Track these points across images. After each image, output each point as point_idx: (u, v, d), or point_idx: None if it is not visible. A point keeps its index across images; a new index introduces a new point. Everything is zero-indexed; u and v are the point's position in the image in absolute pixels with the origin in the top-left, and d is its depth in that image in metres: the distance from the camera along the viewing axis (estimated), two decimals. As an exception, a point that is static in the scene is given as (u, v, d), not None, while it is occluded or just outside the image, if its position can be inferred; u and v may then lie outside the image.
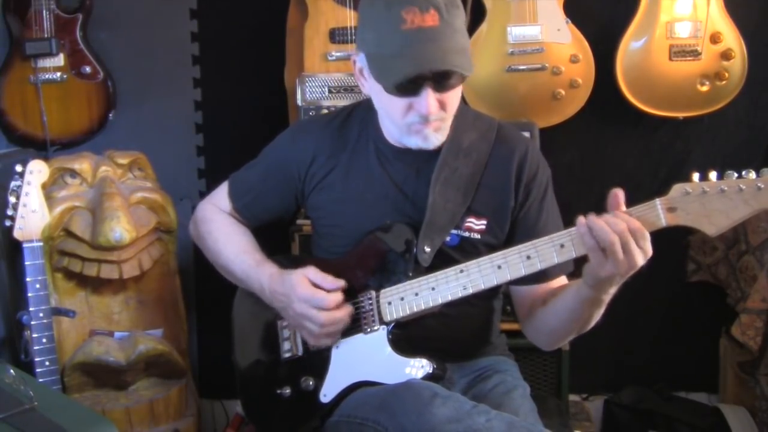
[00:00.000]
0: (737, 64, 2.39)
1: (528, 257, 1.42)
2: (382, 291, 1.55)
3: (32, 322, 1.95)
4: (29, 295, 1.95)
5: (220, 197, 1.82)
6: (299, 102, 2.37)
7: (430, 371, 1.51)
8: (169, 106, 2.73)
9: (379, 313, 1.55)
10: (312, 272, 1.56)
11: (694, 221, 1.34)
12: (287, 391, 1.63)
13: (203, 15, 2.70)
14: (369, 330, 1.56)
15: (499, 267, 1.45)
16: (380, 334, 1.55)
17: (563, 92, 2.43)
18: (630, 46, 2.43)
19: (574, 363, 2.33)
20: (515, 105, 2.45)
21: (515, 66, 2.42)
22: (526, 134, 2.22)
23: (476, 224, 1.60)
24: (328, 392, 1.58)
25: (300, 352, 1.63)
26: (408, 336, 1.56)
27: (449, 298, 1.49)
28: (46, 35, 2.50)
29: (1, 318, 2.09)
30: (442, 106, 1.50)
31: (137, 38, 2.69)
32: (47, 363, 1.96)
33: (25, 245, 1.96)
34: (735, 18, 2.40)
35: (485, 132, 1.64)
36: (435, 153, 1.59)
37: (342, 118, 1.72)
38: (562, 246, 1.41)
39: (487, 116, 1.70)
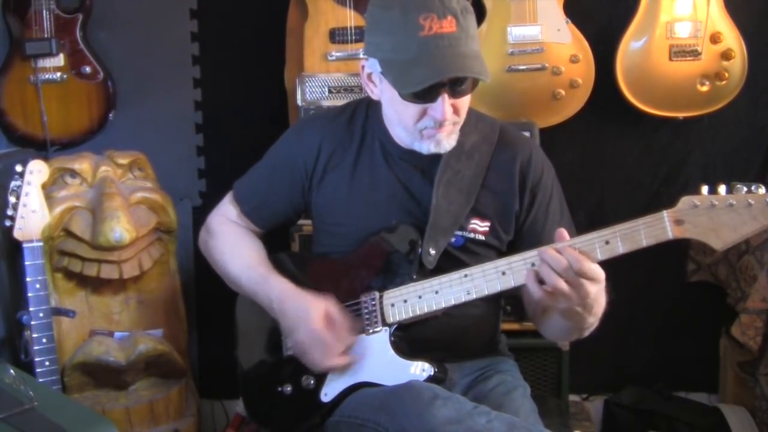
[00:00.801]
0: (737, 64, 2.39)
1: (533, 264, 1.42)
2: (386, 292, 1.55)
3: (32, 322, 1.95)
4: (29, 295, 1.95)
5: (226, 206, 1.80)
6: (299, 102, 2.37)
7: (431, 374, 1.51)
8: (169, 106, 2.73)
9: (382, 314, 1.55)
10: (333, 309, 1.55)
11: (701, 235, 1.33)
12: (288, 389, 1.63)
13: (203, 15, 2.69)
14: (371, 331, 1.56)
15: (504, 273, 1.45)
16: (382, 335, 1.55)
17: (563, 92, 2.43)
18: (630, 46, 2.43)
19: (574, 363, 2.33)
20: (515, 105, 2.45)
21: (515, 66, 2.42)
22: (526, 134, 2.22)
23: (480, 226, 1.60)
24: (328, 392, 1.58)
25: (292, 352, 1.62)
26: (409, 337, 1.57)
27: (452, 302, 1.49)
28: (46, 35, 2.50)
29: (1, 318, 2.09)
30: (456, 111, 1.51)
31: (137, 38, 2.69)
32: (47, 363, 1.96)
33: (25, 245, 1.96)
34: (735, 18, 2.40)
35: (487, 134, 1.64)
36: (440, 155, 1.58)
37: (348, 115, 1.71)
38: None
39: (489, 117, 1.70)
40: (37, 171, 1.98)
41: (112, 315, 2.30)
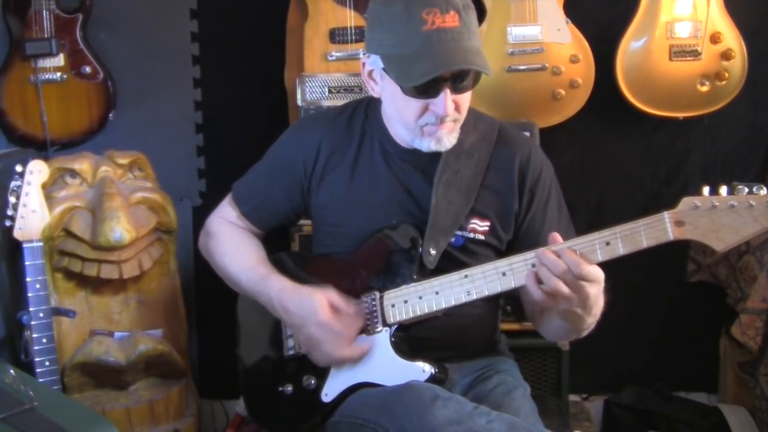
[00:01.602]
0: (737, 64, 2.39)
1: (533, 265, 1.42)
2: (386, 293, 1.55)
3: (32, 322, 1.95)
4: (29, 295, 1.95)
5: (226, 208, 1.80)
6: (299, 102, 2.37)
7: (432, 374, 1.51)
8: (169, 106, 2.73)
9: (383, 315, 1.55)
10: (334, 296, 1.54)
11: (702, 236, 1.33)
12: (289, 388, 1.63)
13: (203, 15, 2.69)
14: (372, 331, 1.56)
15: (504, 274, 1.45)
16: (383, 336, 1.55)
17: (563, 92, 2.43)
18: (630, 46, 2.43)
19: (574, 363, 2.33)
20: (515, 105, 2.45)
21: (515, 66, 2.42)
22: (526, 134, 2.21)
23: (480, 225, 1.60)
24: (329, 392, 1.58)
25: (303, 350, 1.62)
26: (410, 337, 1.57)
27: (453, 303, 1.49)
28: (46, 35, 2.50)
29: (1, 318, 2.09)
30: (457, 107, 1.51)
31: (137, 38, 2.69)
32: (47, 363, 1.96)
33: (25, 245, 1.96)
34: (735, 18, 2.40)
35: (486, 133, 1.64)
36: (439, 154, 1.58)
37: (347, 115, 1.71)
38: None
39: (489, 117, 1.70)
40: (37, 171, 1.98)
41: (112, 315, 2.30)
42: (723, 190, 1.32)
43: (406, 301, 1.53)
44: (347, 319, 1.53)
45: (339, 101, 2.32)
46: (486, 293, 1.47)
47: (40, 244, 1.97)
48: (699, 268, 2.66)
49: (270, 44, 2.57)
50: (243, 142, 2.64)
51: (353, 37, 2.38)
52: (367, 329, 1.56)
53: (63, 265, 2.17)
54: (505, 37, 2.42)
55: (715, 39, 2.39)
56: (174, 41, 2.71)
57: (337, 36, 2.39)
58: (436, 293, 1.50)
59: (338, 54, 2.39)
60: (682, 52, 2.40)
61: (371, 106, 1.68)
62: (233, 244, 1.75)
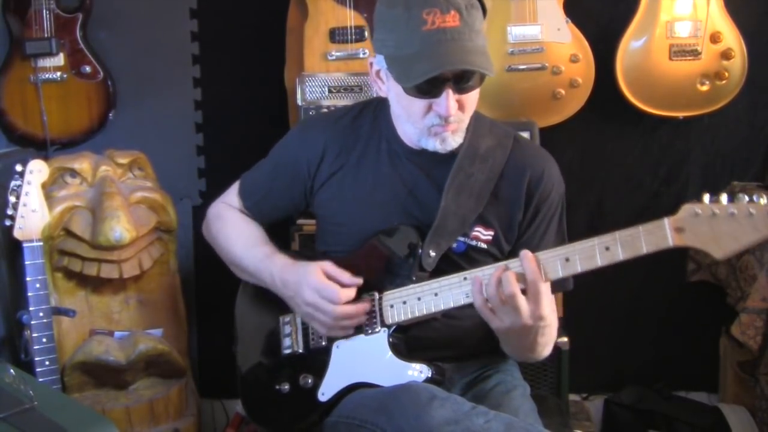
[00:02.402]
0: (737, 64, 2.40)
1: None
2: (385, 293, 1.55)
3: (32, 322, 1.95)
4: (29, 294, 1.95)
5: (231, 196, 1.82)
6: (299, 102, 2.37)
7: (429, 376, 1.51)
8: (169, 106, 2.73)
9: (381, 315, 1.55)
10: (329, 265, 1.56)
11: (702, 243, 1.32)
12: (286, 387, 1.63)
13: (203, 15, 2.69)
14: (370, 331, 1.56)
15: None
16: (381, 336, 1.55)
17: (563, 92, 2.43)
18: (630, 45, 2.43)
19: (574, 363, 2.33)
20: (515, 105, 2.45)
21: (515, 66, 2.42)
22: (526, 134, 2.22)
23: (484, 234, 1.60)
24: (326, 391, 1.58)
25: (300, 349, 1.63)
26: (408, 338, 1.56)
27: (451, 304, 1.49)
28: (46, 35, 2.50)
29: (1, 318, 2.09)
30: (461, 107, 1.50)
31: (137, 38, 2.69)
32: (47, 363, 1.96)
33: (25, 245, 1.96)
34: (735, 18, 2.40)
35: (502, 139, 1.64)
36: (448, 156, 1.58)
37: (353, 115, 1.71)
38: (567, 260, 1.40)
39: (504, 125, 1.69)
40: (37, 170, 1.98)
41: (112, 315, 2.30)
42: (723, 198, 1.32)
43: (404, 302, 1.53)
44: (342, 279, 1.54)
45: (339, 101, 2.32)
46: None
47: (40, 243, 1.97)
48: (699, 268, 2.66)
49: (270, 44, 2.57)
50: (243, 141, 2.65)
51: (353, 37, 2.38)
52: (364, 329, 1.56)
53: (63, 265, 2.17)
54: (505, 36, 2.42)
55: (715, 38, 2.39)
56: (174, 41, 2.71)
57: (337, 36, 2.39)
58: (435, 295, 1.50)
59: (338, 54, 2.39)
60: (682, 51, 2.40)
61: (380, 107, 1.68)
62: (238, 228, 1.77)
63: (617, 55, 2.43)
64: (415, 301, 1.52)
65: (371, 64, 1.59)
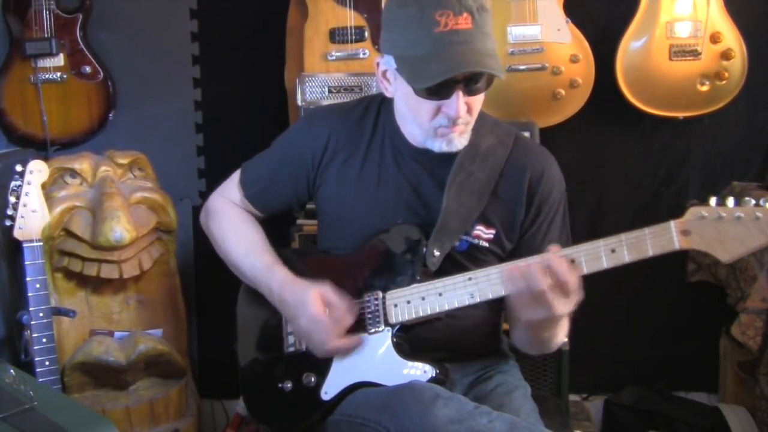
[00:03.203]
0: (737, 64, 2.39)
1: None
2: (389, 292, 1.55)
3: (32, 322, 1.95)
4: (29, 295, 1.95)
5: (231, 188, 1.80)
6: (299, 102, 2.37)
7: (432, 375, 1.51)
8: (169, 106, 2.73)
9: (385, 314, 1.55)
10: (328, 291, 1.55)
11: (707, 246, 1.32)
12: (288, 385, 1.63)
13: (203, 15, 2.70)
14: (373, 331, 1.55)
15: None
16: (384, 335, 1.55)
17: (563, 92, 2.43)
18: (630, 46, 2.43)
19: (574, 363, 2.33)
20: (515, 105, 2.45)
21: (515, 66, 2.42)
22: (526, 134, 2.21)
23: (485, 233, 1.59)
24: (329, 390, 1.58)
25: (303, 347, 1.62)
26: (411, 337, 1.56)
27: (456, 305, 1.49)
28: (46, 35, 2.50)
29: (1, 318, 2.09)
30: (469, 109, 1.51)
31: (137, 38, 2.69)
32: (47, 363, 1.96)
33: (25, 245, 1.96)
34: (735, 18, 2.41)
35: (503, 137, 1.64)
36: (452, 155, 1.57)
37: (361, 110, 1.70)
38: (572, 261, 1.39)
39: (505, 124, 1.69)
40: (37, 171, 1.98)
41: (112, 315, 2.30)
42: (730, 201, 1.32)
43: (408, 302, 1.53)
44: (338, 314, 1.53)
45: (339, 101, 2.32)
46: (490, 296, 1.47)
47: (40, 243, 1.97)
48: (699, 268, 2.66)
49: (270, 44, 2.57)
50: (243, 142, 2.62)
51: (353, 37, 2.38)
52: (367, 328, 1.56)
53: (63, 265, 2.17)
54: (505, 36, 2.42)
55: (715, 39, 2.39)
56: (174, 41, 2.71)
57: (337, 36, 2.39)
58: (440, 295, 1.50)
59: (338, 54, 2.39)
60: (682, 51, 2.40)
61: (385, 102, 1.67)
62: (237, 228, 1.75)
63: (617, 55, 2.43)
64: (419, 300, 1.52)
65: (378, 63, 1.58)
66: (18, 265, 2.02)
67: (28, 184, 1.97)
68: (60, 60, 2.53)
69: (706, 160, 2.65)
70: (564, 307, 1.37)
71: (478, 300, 1.47)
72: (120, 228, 2.08)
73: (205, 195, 2.74)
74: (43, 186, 2.01)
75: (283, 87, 2.52)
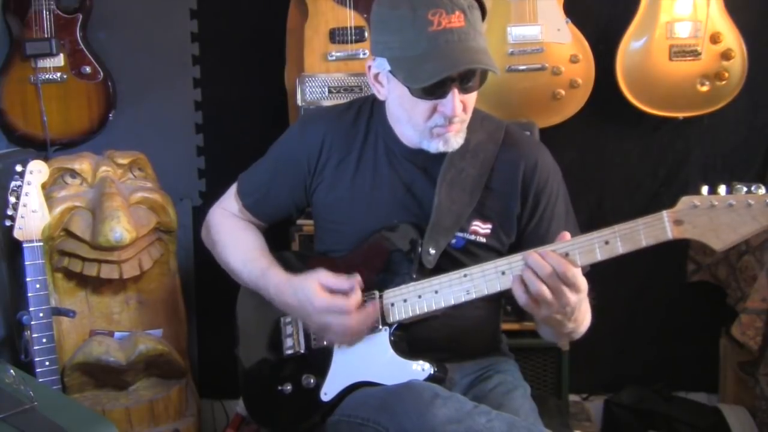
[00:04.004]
0: (737, 64, 2.39)
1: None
2: (386, 292, 1.55)
3: (32, 322, 1.95)
4: (29, 295, 1.95)
5: (229, 199, 1.80)
6: (299, 102, 2.37)
7: (431, 373, 1.51)
8: (169, 106, 2.73)
9: (382, 314, 1.55)
10: (324, 276, 1.54)
11: (700, 235, 1.32)
12: (288, 387, 1.63)
13: (203, 15, 2.69)
14: (371, 330, 1.55)
15: (503, 273, 1.44)
16: (382, 335, 1.55)
17: (563, 92, 2.43)
18: (630, 46, 2.43)
19: (574, 363, 2.33)
20: (515, 105, 2.45)
21: (515, 66, 2.42)
22: (526, 134, 2.21)
23: (482, 228, 1.60)
24: (328, 391, 1.58)
25: (302, 349, 1.63)
26: (410, 337, 1.56)
27: (452, 302, 1.49)
28: (46, 35, 2.50)
29: (1, 318, 2.09)
30: (464, 107, 1.51)
31: (137, 38, 2.69)
32: (47, 363, 1.96)
33: (25, 245, 1.96)
34: (735, 18, 2.40)
35: (493, 132, 1.64)
36: (444, 153, 1.58)
37: (353, 113, 1.70)
38: (566, 255, 1.39)
39: (495, 117, 1.69)
40: (37, 171, 1.98)
41: (112, 315, 2.30)
42: (722, 189, 1.32)
43: (405, 300, 1.53)
44: (346, 290, 1.52)
45: (339, 101, 2.31)
46: (485, 292, 1.47)
47: (40, 244, 1.97)
48: (699, 268, 2.66)
49: (270, 44, 2.57)
50: (243, 142, 2.64)
51: (353, 37, 2.38)
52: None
53: (63, 265, 2.17)
54: (505, 37, 2.42)
55: (715, 39, 2.39)
56: (174, 41, 2.71)
57: (337, 36, 2.39)
58: (436, 292, 1.50)
59: (338, 54, 2.39)
60: (682, 52, 2.40)
61: (377, 103, 1.68)
62: (234, 237, 1.75)
63: (617, 55, 2.43)
64: (415, 299, 1.52)
65: (369, 67, 1.58)
66: (18, 265, 2.02)
67: (28, 184, 1.97)
68: (60, 60, 2.53)
69: (706, 160, 2.65)
70: (570, 298, 1.36)
71: (474, 296, 1.47)
72: (120, 228, 2.08)
73: (205, 195, 2.75)
74: (43, 186, 2.01)
75: (283, 87, 2.52)
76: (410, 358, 1.53)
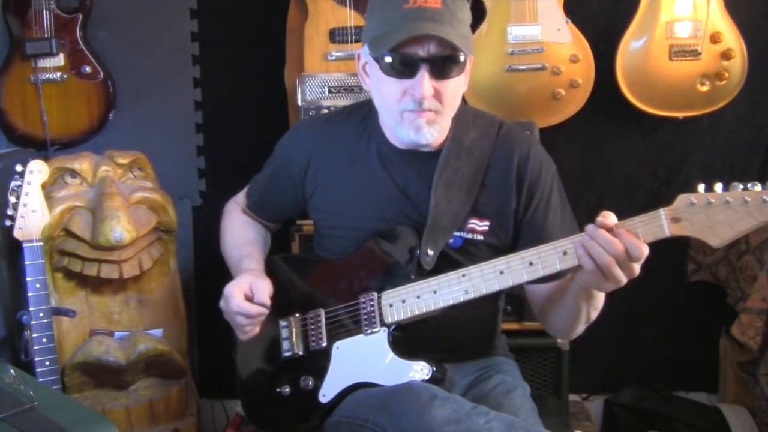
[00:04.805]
0: (737, 64, 2.39)
1: (530, 263, 1.41)
2: (384, 293, 1.55)
3: (32, 322, 1.95)
4: (29, 295, 1.95)
5: (242, 195, 1.89)
6: (299, 102, 2.37)
7: (430, 374, 1.51)
8: (169, 106, 2.73)
9: (380, 314, 1.55)
10: (246, 285, 1.60)
11: (698, 232, 1.32)
12: (287, 390, 1.63)
13: (203, 15, 2.69)
14: (369, 331, 1.55)
15: (502, 272, 1.44)
16: (381, 335, 1.55)
17: (563, 92, 2.43)
18: (630, 46, 2.43)
19: (574, 363, 2.33)
20: (515, 105, 2.45)
21: (515, 66, 2.42)
22: (526, 133, 2.21)
23: (479, 226, 1.60)
24: (327, 392, 1.58)
25: (300, 351, 1.62)
26: (408, 337, 1.56)
27: (451, 302, 1.49)
28: (46, 35, 2.50)
29: (1, 318, 2.09)
30: (438, 96, 1.50)
31: (137, 38, 2.69)
32: (47, 363, 1.96)
33: (25, 245, 1.96)
34: (735, 18, 2.40)
35: (486, 129, 1.64)
36: (437, 154, 1.58)
37: (341, 118, 1.72)
38: (564, 253, 1.39)
39: (489, 114, 1.69)
40: (37, 171, 1.98)
41: (112, 315, 2.30)
42: (718, 187, 1.33)
43: (404, 301, 1.53)
44: (245, 308, 1.58)
45: (339, 101, 2.32)
46: (484, 292, 1.46)
47: (40, 243, 1.97)
48: (699, 268, 2.66)
49: (270, 44, 2.57)
50: (243, 142, 2.65)
51: (353, 37, 2.38)
52: (363, 329, 1.56)
53: (63, 265, 2.17)
54: (505, 37, 2.41)
55: (715, 39, 2.39)
56: (174, 41, 2.71)
57: (337, 36, 2.39)
58: (434, 292, 1.50)
59: (338, 54, 2.39)
60: (682, 51, 2.40)
61: (368, 109, 1.68)
62: (235, 225, 1.85)
63: (617, 55, 2.43)
64: (414, 299, 1.52)
65: (358, 56, 1.60)
66: (18, 265, 2.02)
67: (28, 184, 1.97)
68: (60, 60, 2.53)
69: (706, 160, 2.65)
70: (630, 273, 1.36)
71: (472, 296, 1.47)
72: (120, 228, 2.08)
73: (205, 195, 2.75)
74: (43, 186, 2.01)
75: (283, 87, 2.52)
76: (409, 358, 1.53)
